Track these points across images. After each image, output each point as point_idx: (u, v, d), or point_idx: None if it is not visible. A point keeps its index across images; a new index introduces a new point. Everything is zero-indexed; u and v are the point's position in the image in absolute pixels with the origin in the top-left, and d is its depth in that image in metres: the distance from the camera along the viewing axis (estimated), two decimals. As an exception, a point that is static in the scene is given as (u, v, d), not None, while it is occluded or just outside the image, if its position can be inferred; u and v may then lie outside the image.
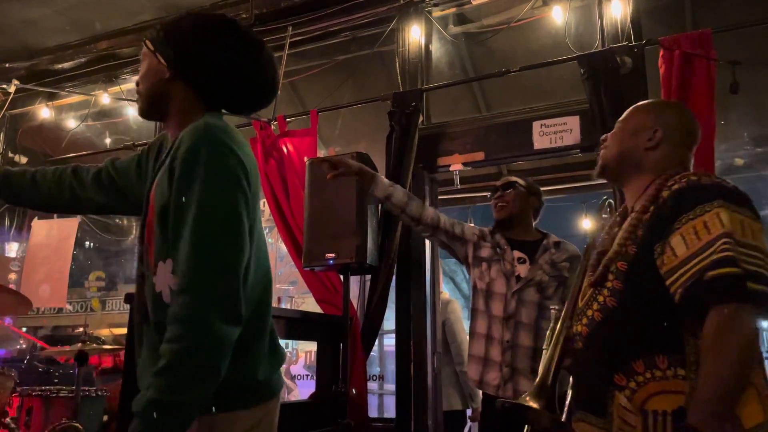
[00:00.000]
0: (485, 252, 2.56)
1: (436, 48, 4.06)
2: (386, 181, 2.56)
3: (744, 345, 1.13)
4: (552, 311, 2.03)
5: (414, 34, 3.89)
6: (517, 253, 2.50)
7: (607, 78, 3.11)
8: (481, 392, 2.56)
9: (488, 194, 2.72)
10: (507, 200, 2.59)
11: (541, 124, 3.38)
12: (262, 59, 1.28)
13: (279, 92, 3.90)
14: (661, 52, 3.02)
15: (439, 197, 3.88)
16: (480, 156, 3.54)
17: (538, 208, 2.68)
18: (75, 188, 1.48)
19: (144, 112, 1.33)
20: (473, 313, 2.55)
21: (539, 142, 3.37)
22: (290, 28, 4.08)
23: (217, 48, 1.23)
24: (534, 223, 2.67)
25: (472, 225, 2.70)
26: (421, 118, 3.63)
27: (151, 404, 1.03)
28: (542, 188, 2.83)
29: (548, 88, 3.88)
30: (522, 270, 2.46)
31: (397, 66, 3.90)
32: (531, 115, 3.46)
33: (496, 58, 4.18)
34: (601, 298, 1.35)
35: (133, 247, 7.45)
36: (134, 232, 6.72)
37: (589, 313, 1.37)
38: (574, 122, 3.33)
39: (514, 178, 2.66)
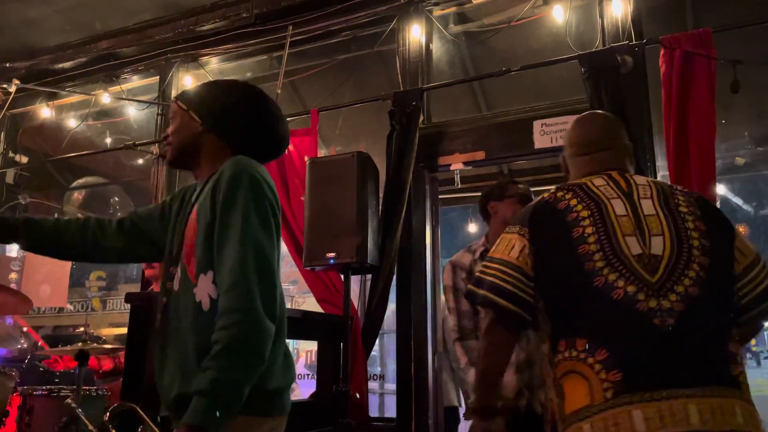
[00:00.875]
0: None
1: (436, 47, 4.06)
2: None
3: None
4: None
5: (414, 33, 3.89)
6: None
7: (607, 77, 3.11)
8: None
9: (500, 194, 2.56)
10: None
11: (542, 124, 3.37)
12: (278, 116, 1.53)
13: (279, 91, 3.91)
14: (662, 51, 3.02)
15: (440, 197, 3.87)
16: (481, 155, 3.54)
17: None
18: (98, 237, 1.60)
19: (175, 161, 1.54)
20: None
21: (540, 142, 3.37)
22: (290, 28, 4.07)
23: (243, 106, 1.49)
24: None
25: (453, 272, 2.51)
26: (421, 118, 3.63)
27: (214, 383, 1.17)
28: (543, 188, 2.81)
29: (549, 88, 3.88)
30: None
31: (398, 65, 3.90)
32: (532, 114, 3.46)
33: (497, 57, 4.17)
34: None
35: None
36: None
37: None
38: (574, 121, 3.32)
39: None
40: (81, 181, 6.41)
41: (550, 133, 3.35)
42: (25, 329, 5.57)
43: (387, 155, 3.58)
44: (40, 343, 5.25)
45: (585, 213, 1.42)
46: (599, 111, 1.81)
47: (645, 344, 1.29)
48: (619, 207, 1.41)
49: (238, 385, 1.20)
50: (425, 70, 3.85)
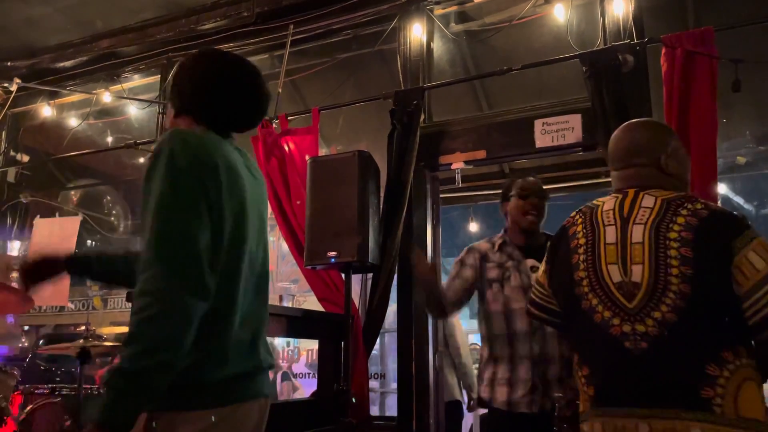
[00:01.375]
0: (492, 272, 2.42)
1: (437, 46, 4.06)
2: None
3: None
4: None
5: (415, 32, 3.89)
6: (530, 262, 2.38)
7: (609, 76, 3.11)
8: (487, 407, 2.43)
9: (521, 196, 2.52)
10: (541, 212, 2.45)
11: (543, 123, 3.37)
12: (244, 81, 1.43)
13: (280, 90, 3.91)
14: (663, 50, 3.02)
15: (441, 195, 3.87)
16: (481, 154, 3.54)
17: None
18: None
19: None
20: (488, 340, 2.40)
21: (541, 141, 3.36)
22: (292, 27, 4.07)
23: (204, 80, 1.40)
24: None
25: (468, 251, 2.52)
26: (422, 117, 3.63)
27: (117, 373, 1.08)
28: (545, 186, 2.81)
29: (550, 87, 3.88)
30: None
31: (399, 64, 3.90)
32: (533, 113, 3.46)
33: (498, 56, 4.17)
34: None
35: (133, 245, 7.46)
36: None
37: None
38: (576, 120, 3.32)
39: (541, 185, 2.52)
40: (82, 181, 6.41)
41: (551, 132, 3.35)
42: (24, 327, 5.58)
43: (388, 154, 3.58)
44: (41, 342, 5.25)
45: (582, 240, 1.55)
46: (635, 122, 1.75)
47: (615, 365, 1.43)
48: (610, 235, 1.51)
49: (145, 374, 1.09)
50: (426, 69, 3.85)
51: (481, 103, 4.72)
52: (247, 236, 1.32)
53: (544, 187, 2.58)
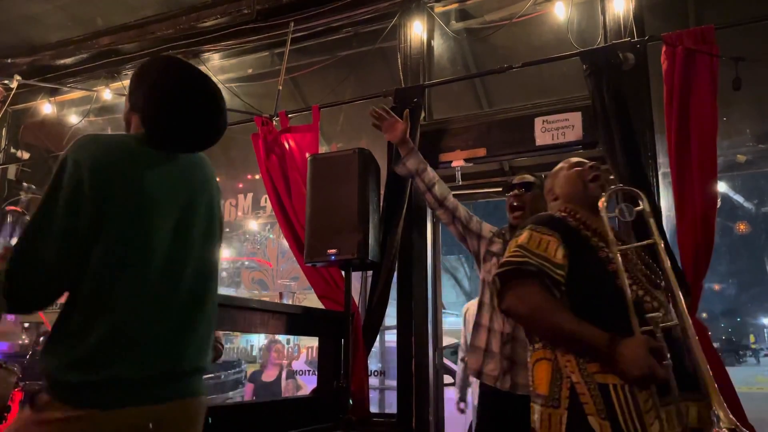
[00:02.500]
0: (496, 247, 2.55)
1: (438, 44, 4.06)
2: (420, 156, 2.75)
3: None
4: None
5: (416, 30, 3.88)
6: None
7: (609, 74, 3.10)
8: (478, 383, 2.57)
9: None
10: (524, 202, 2.51)
11: (543, 121, 3.37)
12: (189, 105, 1.41)
13: (281, 88, 3.91)
14: (664, 49, 3.02)
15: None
16: (482, 152, 3.54)
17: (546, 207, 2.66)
18: None
19: None
20: (480, 306, 2.56)
21: (541, 139, 3.36)
22: (292, 24, 4.07)
23: (151, 84, 1.42)
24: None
25: (489, 225, 2.70)
26: (423, 114, 3.63)
27: None
28: (532, 179, 2.80)
29: (550, 85, 3.88)
30: None
31: (399, 62, 3.90)
32: (533, 111, 3.46)
33: (498, 54, 4.17)
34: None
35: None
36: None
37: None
38: (576, 118, 3.32)
39: (531, 178, 2.59)
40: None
41: (551, 130, 3.35)
42: (24, 324, 5.57)
43: (388, 152, 3.58)
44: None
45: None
46: None
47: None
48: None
49: None
50: (426, 67, 3.85)
51: (482, 101, 4.72)
52: (148, 236, 1.30)
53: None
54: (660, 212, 2.94)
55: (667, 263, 1.72)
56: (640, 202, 1.81)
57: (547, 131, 3.35)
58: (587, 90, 3.18)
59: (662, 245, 1.73)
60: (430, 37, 3.94)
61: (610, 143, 3.00)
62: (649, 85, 3.19)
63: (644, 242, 1.76)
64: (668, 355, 1.49)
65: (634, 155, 2.94)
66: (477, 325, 2.53)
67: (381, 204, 3.40)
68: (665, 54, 3.01)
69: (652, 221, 1.78)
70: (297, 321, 3.07)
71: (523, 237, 1.72)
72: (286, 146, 3.85)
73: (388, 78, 4.14)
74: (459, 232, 2.70)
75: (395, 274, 3.48)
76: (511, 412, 2.22)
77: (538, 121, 3.38)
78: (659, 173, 3.23)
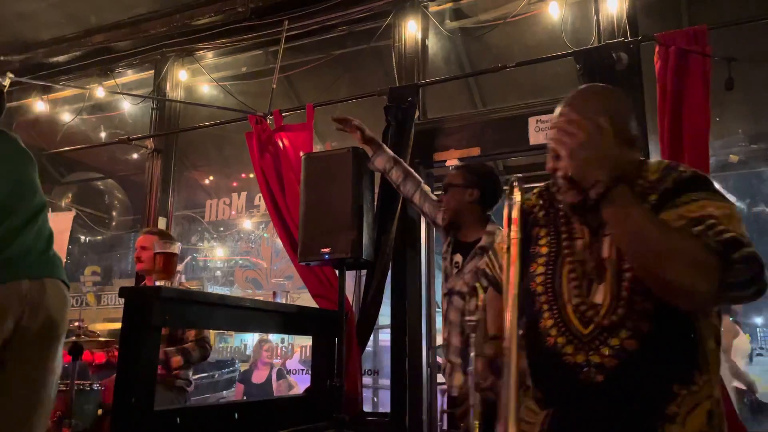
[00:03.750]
0: (444, 247, 2.58)
1: (432, 43, 4.06)
2: (389, 153, 2.81)
3: None
4: (469, 323, 2.06)
5: (410, 29, 3.88)
6: (456, 257, 2.47)
7: (603, 74, 3.11)
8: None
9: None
10: (446, 205, 2.51)
11: (537, 120, 3.38)
12: None
13: (275, 86, 3.90)
14: (657, 48, 3.03)
15: (435, 192, 3.87)
16: (476, 151, 3.54)
17: (484, 195, 2.47)
18: None
19: None
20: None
21: (535, 138, 3.37)
22: (286, 22, 4.06)
23: None
24: (490, 211, 2.52)
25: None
26: (417, 114, 3.64)
27: None
28: (537, 184, 2.78)
29: (544, 84, 3.88)
30: (452, 279, 2.46)
31: (394, 61, 3.90)
32: (527, 110, 3.47)
33: (493, 53, 4.18)
34: (630, 324, 1.21)
35: (127, 241, 7.43)
36: (128, 226, 6.70)
37: (614, 342, 1.22)
38: (569, 118, 3.32)
39: (451, 173, 2.54)
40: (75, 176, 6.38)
41: (545, 129, 3.35)
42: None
43: (383, 151, 3.58)
44: None
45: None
46: None
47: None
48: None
49: None
50: (421, 66, 3.85)
51: (476, 100, 4.72)
52: None
53: (539, 183, 2.57)
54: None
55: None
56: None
57: (540, 131, 3.36)
58: (581, 89, 3.19)
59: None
60: (425, 36, 3.94)
61: (604, 143, 3.00)
62: (642, 85, 3.20)
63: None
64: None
65: (627, 155, 2.95)
66: None
67: (375, 203, 3.39)
68: (658, 54, 3.02)
69: None
70: (291, 320, 3.07)
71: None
72: (281, 145, 3.84)
73: (383, 77, 4.14)
74: (425, 212, 2.75)
75: (389, 273, 3.48)
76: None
77: (532, 121, 3.39)
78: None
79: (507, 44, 4.16)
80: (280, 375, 5.65)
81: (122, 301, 2.12)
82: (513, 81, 4.06)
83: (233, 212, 5.60)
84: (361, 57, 4.38)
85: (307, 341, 6.11)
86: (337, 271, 3.27)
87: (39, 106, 5.25)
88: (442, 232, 2.63)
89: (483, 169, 2.58)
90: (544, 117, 3.37)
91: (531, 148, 3.41)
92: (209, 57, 4.72)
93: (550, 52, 3.45)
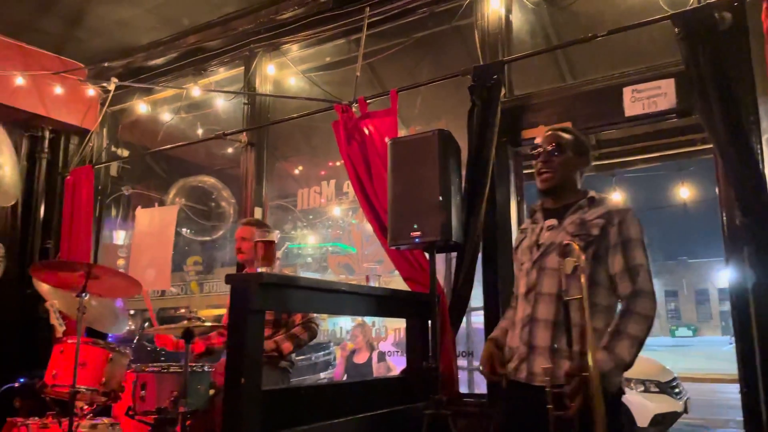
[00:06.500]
0: (517, 241, 2.39)
1: (516, 17, 3.94)
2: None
3: None
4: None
5: (493, 4, 3.79)
6: (549, 222, 2.25)
7: (704, 36, 2.91)
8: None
9: (529, 151, 2.44)
10: (555, 167, 2.27)
11: (633, 90, 3.21)
12: None
13: (358, 74, 3.94)
14: (765, 5, 2.78)
15: (525, 171, 3.79)
16: (573, 129, 3.41)
17: (585, 167, 2.36)
18: None
19: None
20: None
21: (631, 109, 3.20)
22: (368, 9, 4.08)
23: None
24: (580, 183, 2.34)
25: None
26: (503, 91, 3.56)
27: None
28: (635, 157, 2.67)
29: (639, 51, 3.68)
30: (546, 237, 2.21)
31: (477, 39, 3.82)
32: (621, 80, 3.30)
33: (581, 23, 4.00)
34: None
35: (229, 232, 7.80)
36: (232, 218, 7.01)
37: None
38: (668, 86, 3.14)
39: (562, 135, 2.33)
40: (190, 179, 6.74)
41: (641, 99, 3.18)
42: (130, 311, 5.98)
43: (468, 132, 3.54)
44: (146, 324, 5.63)
45: None
46: None
47: None
48: None
49: None
50: (505, 42, 3.75)
51: (564, 73, 4.55)
52: None
53: (635, 157, 2.45)
54: (766, 182, 2.73)
55: None
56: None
57: (637, 101, 3.19)
58: (680, 55, 3.00)
59: None
60: (508, 11, 3.84)
61: (708, 109, 2.82)
62: (749, 46, 2.95)
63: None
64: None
65: (734, 121, 2.75)
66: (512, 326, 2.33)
67: (463, 185, 3.37)
68: (766, 11, 2.77)
69: None
70: (384, 303, 3.12)
71: None
72: (366, 132, 3.89)
73: (466, 56, 4.08)
74: None
75: (480, 254, 3.45)
76: (531, 403, 2.02)
77: (627, 91, 3.22)
78: (763, 139, 3.01)
79: (596, 12, 3.97)
80: (381, 357, 5.78)
81: (224, 289, 2.24)
82: (604, 50, 3.87)
83: (323, 200, 5.75)
84: (443, 38, 4.34)
85: (398, 324, 6.19)
86: (427, 254, 3.28)
87: (141, 107, 5.59)
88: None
89: (588, 140, 2.46)
90: (640, 86, 3.19)
91: (627, 119, 3.24)
92: (294, 50, 4.84)
93: (645, 16, 3.25)
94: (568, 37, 4.09)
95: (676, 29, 3.00)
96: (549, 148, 2.30)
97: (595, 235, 2.10)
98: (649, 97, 3.18)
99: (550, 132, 2.36)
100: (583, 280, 1.92)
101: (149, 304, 5.11)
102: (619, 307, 2.07)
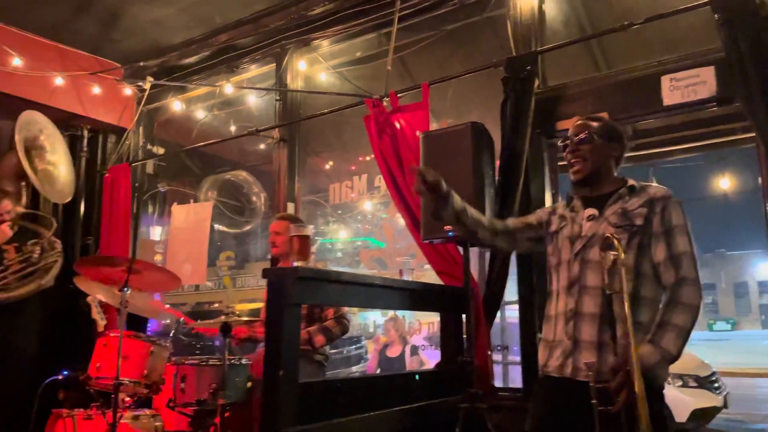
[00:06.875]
0: (554, 225, 2.30)
1: (549, 7, 3.88)
2: (456, 196, 2.36)
3: None
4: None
5: (526, -6, 3.74)
6: (588, 211, 2.18)
7: (745, 21, 2.82)
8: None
9: (560, 144, 2.38)
10: (586, 156, 2.21)
11: (671, 78, 3.14)
12: None
13: (389, 68, 3.94)
14: (811, -13, 2.69)
15: (559, 163, 3.74)
16: (604, 117, 3.35)
17: (620, 155, 2.29)
18: None
19: None
20: (548, 297, 2.29)
21: (669, 98, 3.13)
22: (398, 2, 4.07)
23: None
24: (616, 171, 2.28)
25: (545, 208, 2.47)
26: (536, 82, 3.51)
27: None
28: (674, 147, 2.61)
29: (677, 39, 3.59)
30: (588, 228, 2.15)
31: (509, 30, 3.78)
32: (659, 69, 3.22)
33: (616, 11, 3.92)
34: None
35: (257, 227, 7.88)
36: (263, 213, 7.09)
37: None
38: (708, 73, 3.06)
39: (590, 124, 2.27)
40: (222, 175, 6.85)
41: (680, 88, 3.10)
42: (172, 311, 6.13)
43: (501, 124, 3.51)
44: (182, 319, 5.74)
45: None
46: None
47: None
48: None
49: None
50: (538, 33, 3.70)
51: (599, 62, 4.47)
52: None
53: (674, 147, 2.39)
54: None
55: None
56: None
57: (676, 89, 3.11)
58: (720, 41, 2.92)
59: None
60: (541, 1, 3.78)
61: (750, 97, 2.75)
62: (794, 30, 2.86)
63: None
64: None
65: (778, 108, 2.67)
66: (545, 317, 2.27)
67: (496, 177, 3.34)
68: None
69: None
70: (418, 297, 3.13)
71: None
72: (398, 126, 3.88)
73: (497, 48, 4.03)
74: (528, 238, 2.41)
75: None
76: (576, 399, 1.96)
77: (665, 79, 3.15)
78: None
79: (631, -1, 3.89)
80: (413, 351, 5.80)
81: (256, 283, 2.27)
82: (640, 38, 3.79)
83: (354, 194, 5.78)
84: (474, 30, 4.30)
85: (430, 318, 6.19)
86: (460, 248, 3.27)
87: (175, 106, 5.69)
88: (541, 229, 2.37)
89: (621, 127, 2.41)
90: (679, 74, 3.12)
91: (665, 108, 3.17)
92: (325, 45, 4.85)
93: (682, 3, 3.17)
94: (603, 26, 4.01)
95: (716, 15, 2.92)
96: (576, 138, 2.26)
97: (638, 225, 2.06)
98: (688, 86, 3.10)
99: (578, 121, 2.31)
100: (623, 273, 1.88)
101: (172, 310, 5.22)
102: (664, 297, 2.02)
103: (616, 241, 1.91)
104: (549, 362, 2.14)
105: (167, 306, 5.62)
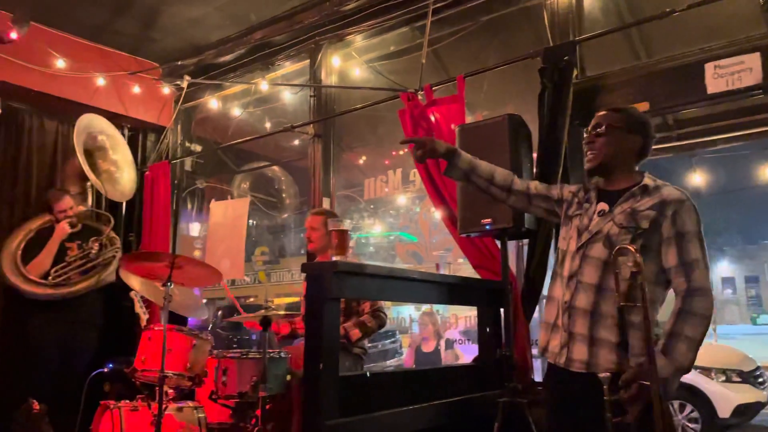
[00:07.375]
0: (572, 208, 2.25)
1: (587, -5, 3.81)
2: (465, 154, 2.37)
3: None
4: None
5: (563, -17, 3.68)
6: (600, 205, 2.14)
7: (795, 4, 2.72)
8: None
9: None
10: (602, 146, 2.16)
11: (715, 66, 3.05)
12: None
13: (424, 61, 3.92)
14: None
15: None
16: (645, 106, 3.27)
17: (643, 147, 2.19)
18: None
19: None
20: (552, 278, 2.27)
21: (713, 86, 3.05)
22: (433, -5, 4.04)
23: None
24: (640, 164, 2.21)
25: (570, 186, 2.40)
26: (575, 72, 3.45)
27: None
28: (717, 136, 2.53)
29: (720, 25, 3.48)
30: (595, 223, 2.11)
31: (546, 19, 3.72)
32: (702, 56, 3.13)
33: (656, -2, 3.81)
34: None
35: (292, 222, 7.96)
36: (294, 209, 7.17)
37: None
38: (753, 60, 2.97)
39: (609, 114, 2.20)
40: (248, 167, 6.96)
41: (725, 75, 3.01)
42: (209, 300, 6.22)
43: (539, 115, 3.46)
44: (236, 306, 5.85)
45: None
46: None
47: None
48: None
49: None
50: (576, 21, 3.63)
51: (639, 51, 4.37)
52: None
53: (717, 136, 2.32)
54: None
55: None
56: None
57: (720, 77, 3.02)
58: (765, 26, 2.82)
59: None
60: (579, -11, 3.71)
61: (799, 84, 2.65)
62: None
63: None
64: None
65: (830, 94, 2.57)
66: (548, 298, 2.26)
67: (534, 170, 3.31)
68: None
69: None
70: (455, 291, 3.12)
71: None
72: (433, 119, 3.87)
73: (534, 38, 3.97)
74: (543, 208, 2.38)
75: (553, 241, 3.38)
76: (571, 388, 2.02)
77: (709, 67, 3.06)
78: None
79: (672, -14, 3.78)
80: (448, 345, 5.79)
81: (290, 278, 2.29)
82: (682, 25, 3.68)
83: (387, 189, 5.79)
84: (509, 20, 4.24)
85: (466, 312, 6.17)
86: (497, 242, 3.25)
87: (212, 103, 5.78)
88: (561, 204, 2.33)
89: (646, 117, 2.33)
90: (722, 62, 3.02)
91: (709, 97, 3.08)
92: (359, 40, 4.86)
93: (727, -13, 3.08)
94: (643, 13, 3.92)
95: (761, 0, 2.82)
96: (593, 129, 2.21)
97: (644, 228, 2.00)
98: (733, 73, 3.01)
99: (601, 112, 2.25)
100: (645, 287, 1.84)
101: (230, 294, 5.32)
102: (674, 305, 1.96)
103: (638, 256, 1.85)
104: (549, 347, 2.17)
105: (230, 293, 5.70)
